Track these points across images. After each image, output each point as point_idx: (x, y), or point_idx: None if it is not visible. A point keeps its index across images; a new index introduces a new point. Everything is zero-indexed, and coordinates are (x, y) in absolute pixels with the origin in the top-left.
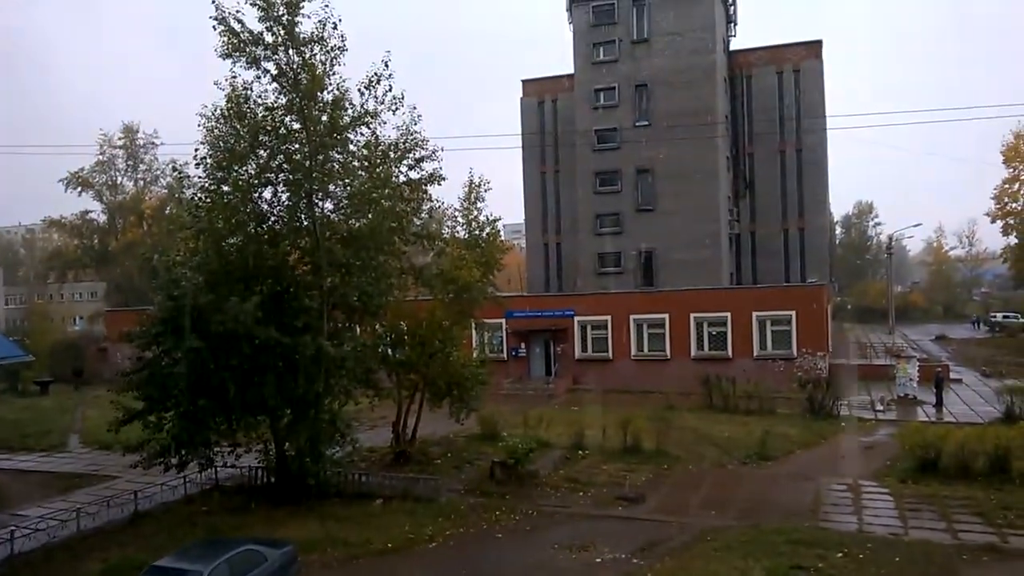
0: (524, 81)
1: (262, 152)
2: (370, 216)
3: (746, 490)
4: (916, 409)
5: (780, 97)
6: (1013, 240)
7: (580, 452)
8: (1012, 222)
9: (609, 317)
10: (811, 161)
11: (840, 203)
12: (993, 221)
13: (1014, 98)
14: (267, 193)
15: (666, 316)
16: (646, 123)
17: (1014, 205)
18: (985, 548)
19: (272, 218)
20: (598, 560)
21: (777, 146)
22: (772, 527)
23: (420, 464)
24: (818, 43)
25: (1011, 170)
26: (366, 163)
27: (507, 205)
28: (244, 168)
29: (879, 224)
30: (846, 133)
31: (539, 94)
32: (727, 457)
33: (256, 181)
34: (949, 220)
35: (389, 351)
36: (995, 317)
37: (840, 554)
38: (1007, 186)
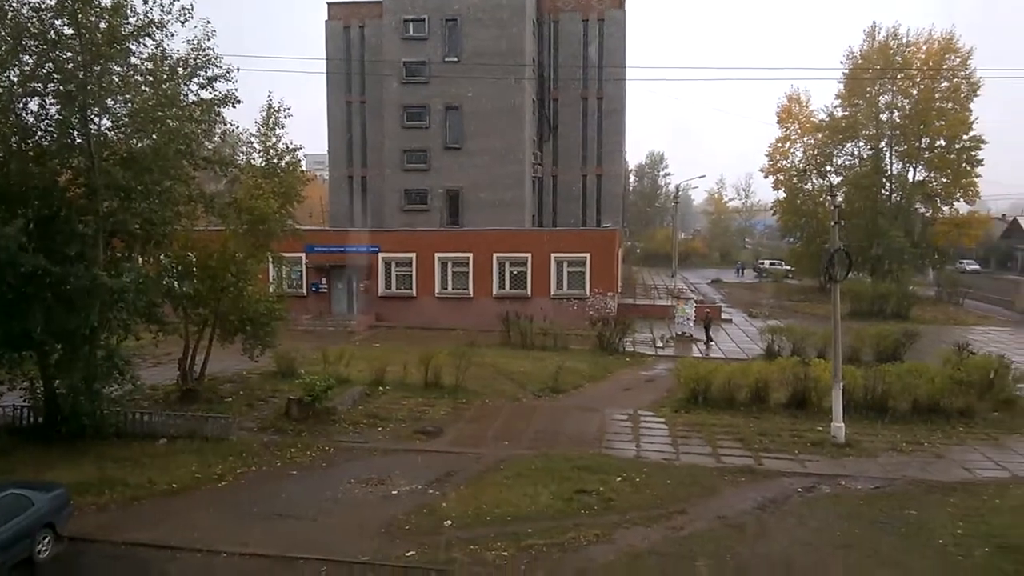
0: (329, 3)
1: (27, 58)
2: (154, 136)
3: (538, 421)
4: (692, 346)
5: (584, 44)
6: (782, 194)
7: (380, 388)
8: (781, 178)
9: (414, 254)
10: (611, 110)
11: (635, 152)
12: (766, 176)
13: (801, 62)
14: (33, 105)
15: (470, 255)
16: (455, 59)
17: (784, 163)
18: (743, 469)
19: (40, 133)
20: (394, 492)
21: (580, 93)
22: (560, 455)
23: (209, 402)
24: None
25: (783, 130)
26: (150, 78)
27: (310, 135)
28: (6, 75)
29: (668, 174)
30: (644, 84)
31: (346, 19)
32: (522, 391)
33: (20, 90)
34: (730, 173)
35: (175, 284)
36: (763, 264)
37: (619, 478)
38: (779, 144)
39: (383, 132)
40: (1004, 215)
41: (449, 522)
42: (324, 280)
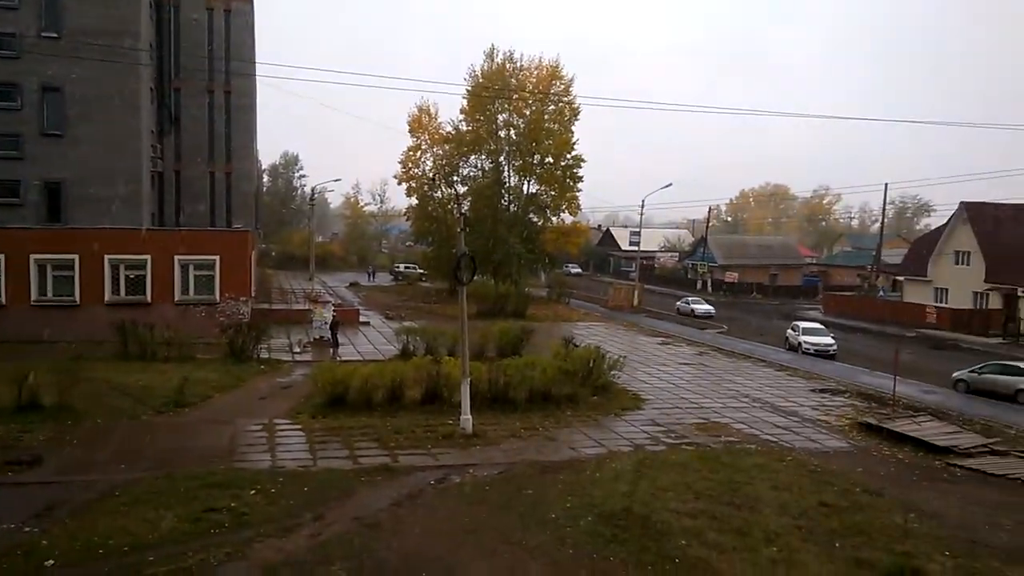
0: None
1: None
2: None
3: (161, 440)
4: (330, 350)
5: (210, 34)
6: (414, 201)
7: None
8: (414, 185)
9: (2, 256)
10: (239, 106)
11: (269, 152)
12: (400, 183)
13: (433, 74)
14: None
15: (76, 257)
16: (55, 35)
17: (416, 171)
18: (380, 468)
19: None
20: None
21: (206, 85)
22: (186, 474)
23: None
24: None
25: (415, 139)
26: None
27: None
28: None
29: (304, 176)
30: (280, 83)
31: None
32: (142, 407)
33: None
34: (366, 179)
35: None
36: (399, 268)
37: (253, 491)
38: (411, 153)
39: None
40: (600, 225)
41: (52, 561)
42: None
